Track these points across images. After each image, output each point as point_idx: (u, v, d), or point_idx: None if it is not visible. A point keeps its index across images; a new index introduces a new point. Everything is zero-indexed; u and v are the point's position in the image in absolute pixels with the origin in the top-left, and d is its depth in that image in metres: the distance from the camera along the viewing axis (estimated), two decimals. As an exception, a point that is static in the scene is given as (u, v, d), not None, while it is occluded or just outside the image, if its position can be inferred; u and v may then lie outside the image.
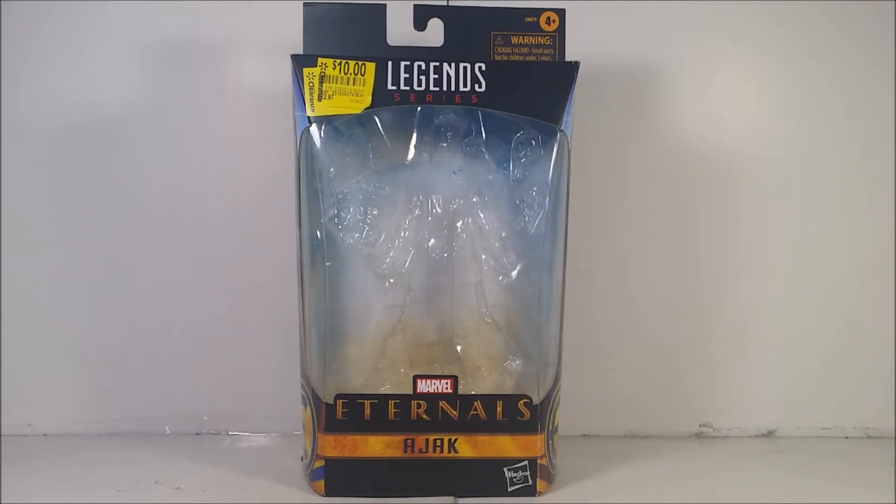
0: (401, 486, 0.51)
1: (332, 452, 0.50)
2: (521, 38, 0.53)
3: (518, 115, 0.51)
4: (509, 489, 0.51)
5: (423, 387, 0.50)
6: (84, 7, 0.61)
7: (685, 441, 0.65)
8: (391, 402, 0.50)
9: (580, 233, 0.58)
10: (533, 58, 0.53)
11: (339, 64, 0.50)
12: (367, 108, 0.50)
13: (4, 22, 0.61)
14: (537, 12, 0.53)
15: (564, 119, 0.51)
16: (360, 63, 0.50)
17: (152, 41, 0.62)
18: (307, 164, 0.51)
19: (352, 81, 0.50)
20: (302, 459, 0.54)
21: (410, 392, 0.50)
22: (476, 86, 0.50)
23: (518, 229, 0.53)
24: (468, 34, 0.53)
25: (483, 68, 0.50)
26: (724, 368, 0.65)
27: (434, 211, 0.53)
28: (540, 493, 0.51)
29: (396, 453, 0.50)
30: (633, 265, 0.65)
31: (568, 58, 0.53)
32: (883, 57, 0.64)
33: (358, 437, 0.50)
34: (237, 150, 0.63)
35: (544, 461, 0.51)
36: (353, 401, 0.50)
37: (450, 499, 0.51)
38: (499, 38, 0.53)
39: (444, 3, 0.60)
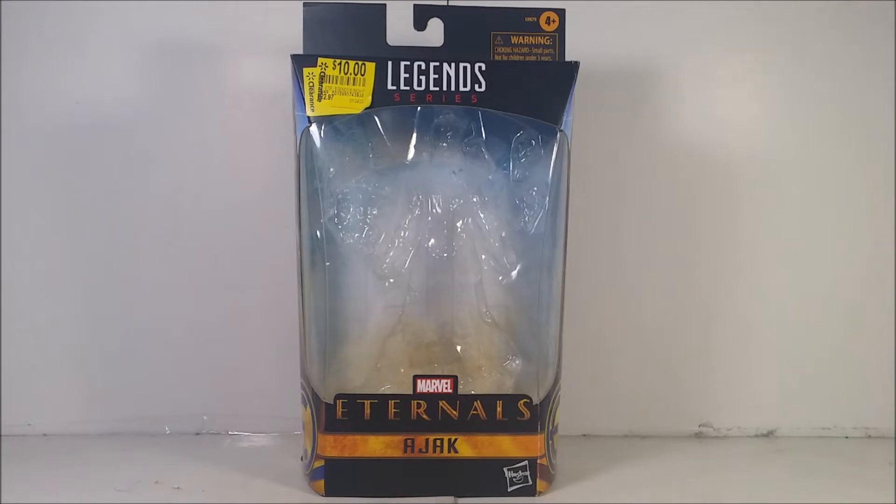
0: (401, 486, 0.51)
1: (332, 452, 0.50)
2: (521, 38, 0.53)
3: (518, 115, 0.51)
4: (509, 489, 0.51)
5: (423, 387, 0.50)
6: (84, 7, 0.61)
7: (685, 441, 0.65)
8: (391, 402, 0.50)
9: (580, 233, 0.58)
10: (533, 58, 0.53)
11: (339, 64, 0.50)
12: (366, 108, 0.50)
13: (4, 22, 0.61)
14: (537, 12, 0.53)
15: (564, 119, 0.51)
16: (360, 63, 0.50)
17: (152, 41, 0.62)
18: (307, 163, 0.51)
19: (352, 81, 0.50)
20: (302, 459, 0.54)
21: (410, 392, 0.50)
22: (476, 86, 0.50)
23: (518, 229, 0.53)
24: (468, 34, 0.53)
25: (483, 68, 0.50)
26: (724, 368, 0.65)
27: (434, 211, 0.53)
28: (540, 493, 0.51)
29: (396, 453, 0.50)
30: (633, 265, 0.65)
31: (568, 58, 0.53)
32: (883, 58, 0.64)
33: (358, 437, 0.50)
34: (237, 150, 0.63)
35: (544, 461, 0.51)
36: (352, 401, 0.50)
37: (450, 499, 0.51)
38: (499, 38, 0.53)
39: (444, 3, 0.60)
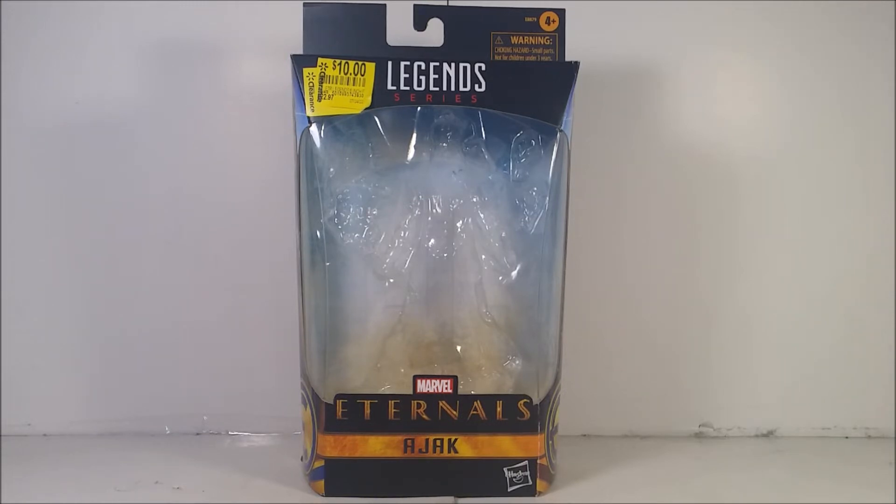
0: (401, 487, 0.51)
1: (332, 452, 0.50)
2: (521, 38, 0.53)
3: (518, 115, 0.51)
4: (509, 489, 0.51)
5: (423, 387, 0.50)
6: (84, 7, 0.61)
7: (685, 441, 0.65)
8: (391, 402, 0.50)
9: (580, 233, 0.58)
10: (533, 58, 0.53)
11: (339, 64, 0.50)
12: (366, 108, 0.50)
13: (4, 22, 0.61)
14: (537, 12, 0.53)
15: (564, 119, 0.51)
16: (360, 63, 0.50)
17: (152, 41, 0.62)
18: (307, 164, 0.51)
19: (352, 81, 0.50)
20: (302, 459, 0.54)
21: (410, 392, 0.50)
22: (476, 86, 0.50)
23: (518, 229, 0.53)
24: (468, 34, 0.53)
25: (483, 68, 0.50)
26: (724, 368, 0.65)
27: (434, 211, 0.53)
28: (540, 493, 0.51)
29: (396, 453, 0.50)
30: (633, 265, 0.65)
31: (568, 58, 0.53)
32: (883, 57, 0.64)
33: (358, 437, 0.50)
34: (237, 150, 0.63)
35: (544, 461, 0.51)
36: (352, 401, 0.50)
37: (450, 499, 0.51)
38: (499, 38, 0.53)
39: (444, 3, 0.60)
